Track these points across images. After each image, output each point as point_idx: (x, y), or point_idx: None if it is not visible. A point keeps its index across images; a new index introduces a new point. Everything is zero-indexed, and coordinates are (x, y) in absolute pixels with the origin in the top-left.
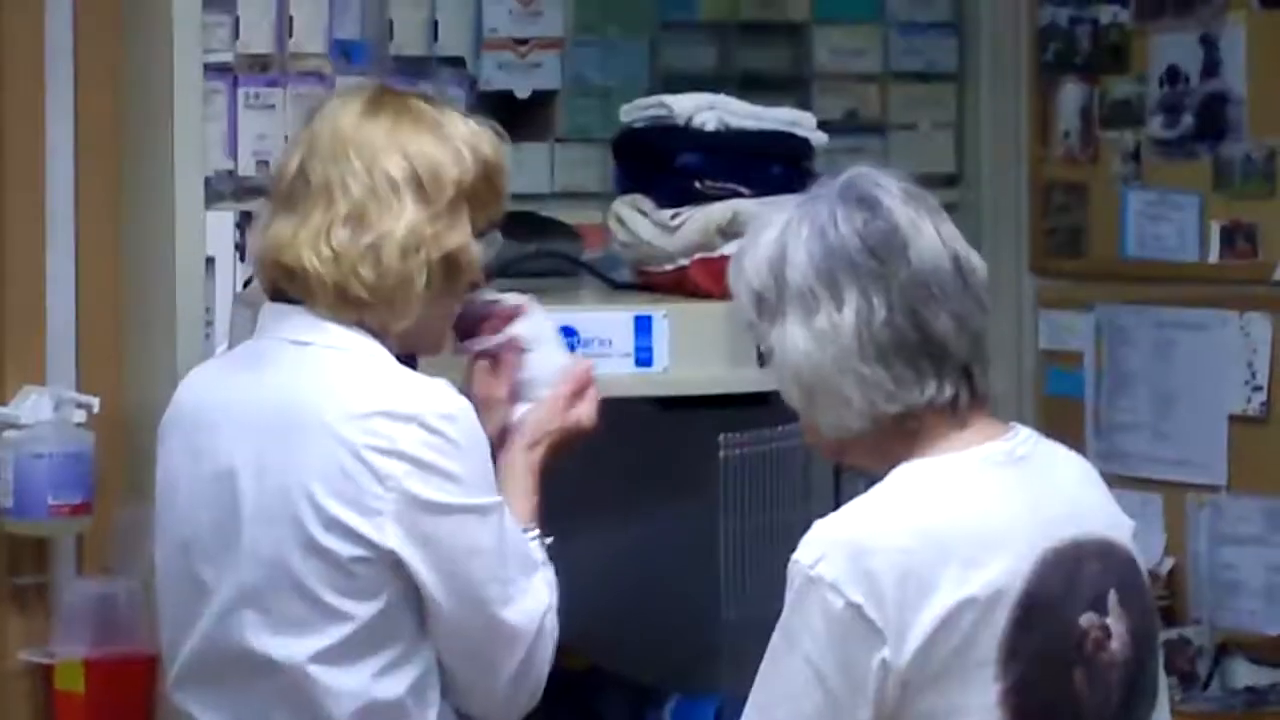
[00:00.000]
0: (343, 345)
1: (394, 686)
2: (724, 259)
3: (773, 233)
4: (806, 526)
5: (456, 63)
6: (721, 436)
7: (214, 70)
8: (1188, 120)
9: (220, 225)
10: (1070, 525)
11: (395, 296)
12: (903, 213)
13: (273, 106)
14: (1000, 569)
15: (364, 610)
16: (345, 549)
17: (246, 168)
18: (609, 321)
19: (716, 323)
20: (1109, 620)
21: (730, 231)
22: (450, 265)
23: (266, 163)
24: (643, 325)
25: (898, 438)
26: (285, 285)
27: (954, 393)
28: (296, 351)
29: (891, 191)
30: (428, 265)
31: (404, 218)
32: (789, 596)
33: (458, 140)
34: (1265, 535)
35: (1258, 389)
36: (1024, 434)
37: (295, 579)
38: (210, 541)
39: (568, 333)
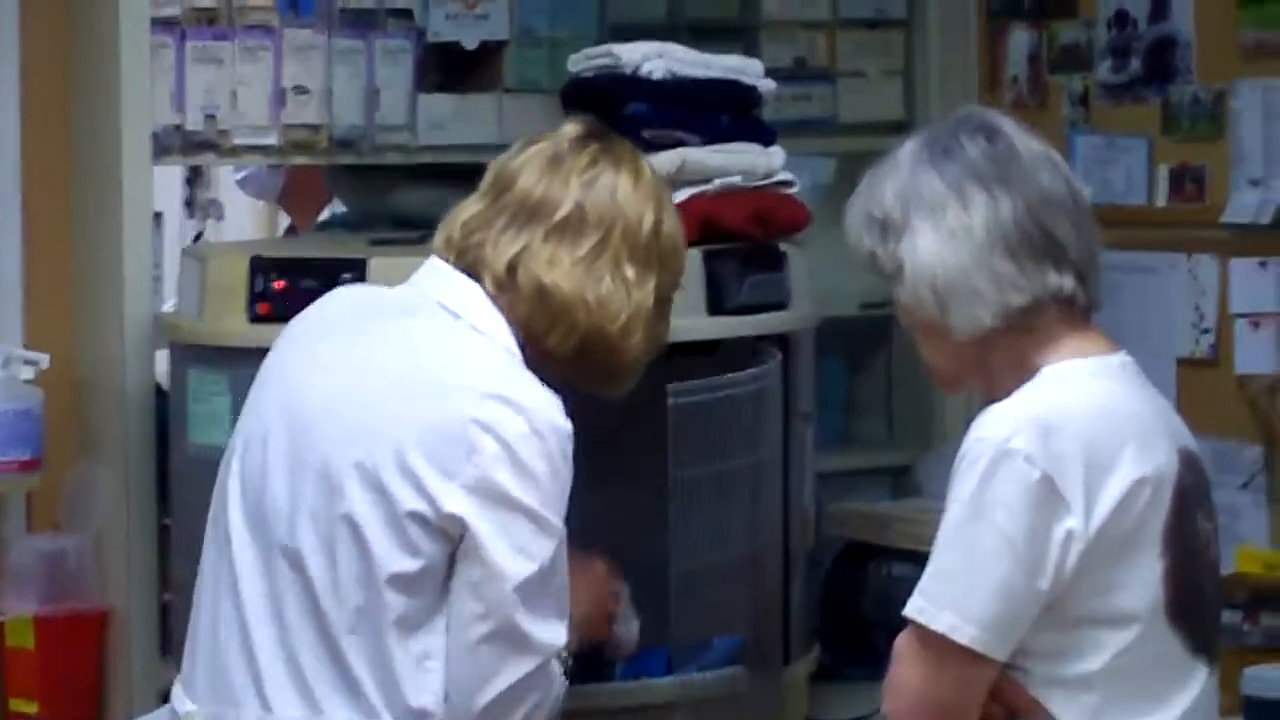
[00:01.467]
0: (492, 333)
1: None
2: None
3: (892, 164)
4: (755, 476)
5: (404, 15)
6: (670, 386)
7: (161, 24)
8: (1135, 64)
9: (168, 180)
10: (1182, 435)
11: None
12: (1020, 138)
13: (220, 60)
14: (1162, 457)
15: (400, 565)
16: (408, 502)
17: (194, 122)
18: None
19: None
20: (1208, 525)
21: (679, 180)
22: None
23: (214, 116)
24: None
25: (1025, 338)
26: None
27: (1073, 290)
28: (445, 318)
29: (1007, 122)
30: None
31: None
32: (975, 470)
33: None
34: (1214, 477)
35: (1206, 331)
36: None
37: (349, 509)
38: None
39: None
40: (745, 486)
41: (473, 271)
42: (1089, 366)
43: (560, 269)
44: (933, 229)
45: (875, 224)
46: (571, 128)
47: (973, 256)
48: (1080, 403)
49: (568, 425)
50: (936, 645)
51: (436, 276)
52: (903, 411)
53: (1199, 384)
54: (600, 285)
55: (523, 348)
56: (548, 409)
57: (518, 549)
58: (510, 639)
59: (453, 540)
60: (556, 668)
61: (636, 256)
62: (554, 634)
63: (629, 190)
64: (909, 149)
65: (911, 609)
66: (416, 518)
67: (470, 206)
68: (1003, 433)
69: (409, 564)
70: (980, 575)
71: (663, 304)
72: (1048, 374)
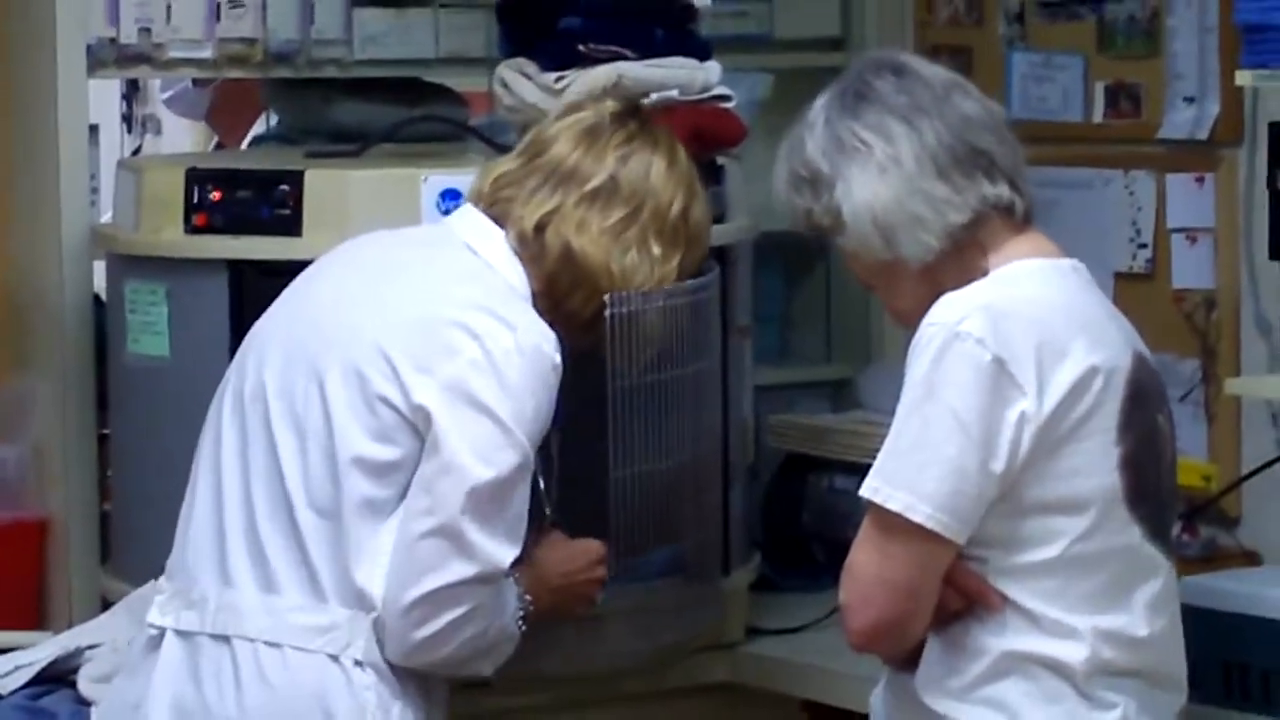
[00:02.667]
0: (505, 273)
1: None
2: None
3: (806, 124)
4: (696, 385)
5: None
6: (607, 295)
7: None
8: None
9: (105, 95)
10: (1134, 339)
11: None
12: (926, 69)
13: None
14: (1114, 350)
15: (366, 449)
16: (380, 386)
17: (129, 35)
18: None
19: None
20: (1165, 423)
21: (615, 94)
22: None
23: (149, 30)
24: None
25: (974, 251)
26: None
27: (1010, 197)
28: (464, 252)
29: (909, 57)
30: None
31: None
32: (927, 354)
33: None
34: None
35: (1142, 246)
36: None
37: (323, 389)
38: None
39: (453, 195)
40: (684, 398)
41: (500, 223)
42: (1039, 265)
43: (589, 235)
44: (861, 170)
45: (804, 183)
46: (613, 104)
47: (906, 185)
48: (1031, 293)
49: (557, 358)
50: (892, 524)
51: (465, 218)
52: (841, 325)
53: (1136, 298)
54: (626, 256)
55: (535, 302)
56: (539, 336)
57: (477, 452)
58: (453, 539)
59: (421, 437)
60: (510, 602)
61: (664, 235)
62: (500, 552)
63: (663, 171)
64: (819, 105)
65: (866, 489)
66: (387, 403)
67: (504, 164)
68: (954, 317)
69: (376, 450)
70: (933, 454)
71: None
72: (998, 272)
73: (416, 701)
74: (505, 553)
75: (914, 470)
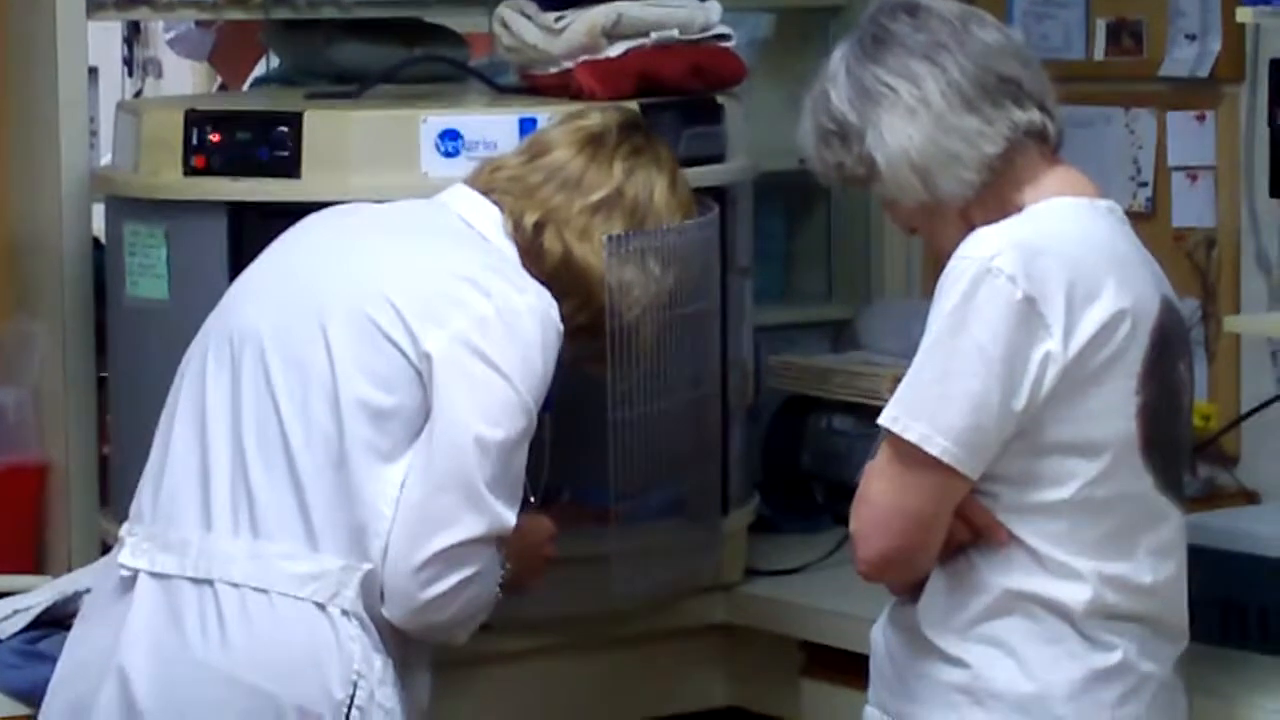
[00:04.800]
0: (502, 249)
1: None
2: (609, 60)
3: (827, 76)
4: (694, 326)
5: None
6: (606, 237)
7: None
8: None
9: (104, 35)
10: (1164, 284)
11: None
12: (939, 4)
13: None
14: (1144, 293)
15: (368, 392)
16: (388, 328)
17: None
18: (494, 124)
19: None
20: (1185, 372)
21: (614, 33)
22: None
23: None
24: (528, 128)
25: (1010, 187)
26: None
27: (1042, 120)
28: (459, 223)
29: None
30: None
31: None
32: (958, 287)
33: None
34: None
35: (1143, 184)
36: None
37: (325, 328)
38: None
39: (452, 135)
40: (684, 337)
41: (498, 207)
42: (1074, 203)
43: (591, 244)
44: (890, 115)
45: (833, 136)
46: (616, 115)
47: (937, 123)
48: (1065, 231)
49: (561, 327)
50: (908, 455)
51: (458, 193)
52: (842, 265)
53: (1139, 237)
54: (625, 269)
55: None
56: (547, 302)
57: (489, 412)
58: (467, 493)
59: (423, 387)
60: (498, 567)
61: (661, 253)
62: (506, 512)
63: (665, 191)
64: (838, 56)
65: (885, 418)
66: (394, 345)
67: (504, 159)
68: (987, 252)
69: (377, 396)
70: (955, 387)
71: None
72: (1034, 208)
73: (397, 657)
74: (510, 513)
75: (935, 402)
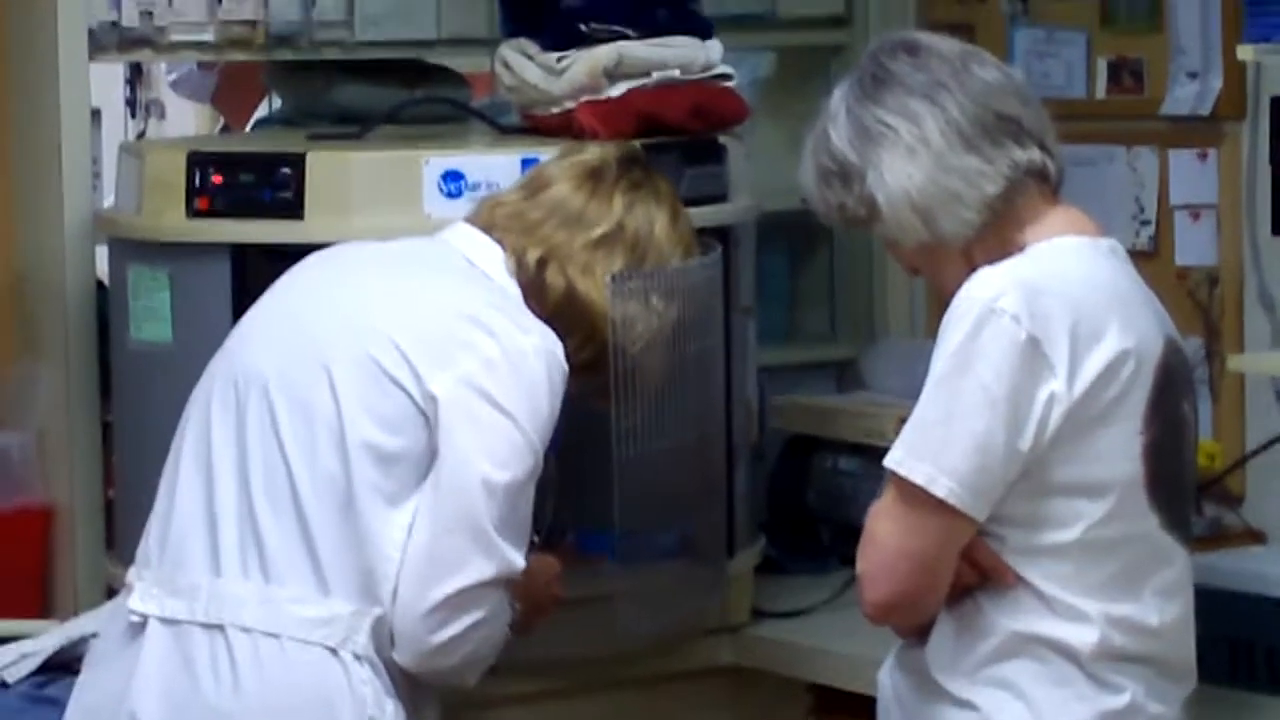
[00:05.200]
0: (505, 287)
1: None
2: (610, 101)
3: (827, 117)
4: (698, 367)
5: None
6: (609, 275)
7: None
8: None
9: (107, 77)
10: (1167, 324)
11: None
12: (939, 44)
13: None
14: (1147, 334)
15: (374, 435)
16: (393, 369)
17: (130, 18)
18: (496, 165)
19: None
20: (1190, 411)
21: (616, 73)
22: None
23: (150, 13)
24: (530, 168)
25: (1012, 227)
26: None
27: (1042, 159)
28: (462, 262)
29: (921, 34)
30: None
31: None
32: (961, 327)
33: None
34: None
35: (1146, 223)
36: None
37: (330, 370)
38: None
39: (455, 176)
40: (687, 377)
41: (500, 245)
42: (1077, 243)
43: (594, 280)
44: (891, 155)
45: (834, 176)
46: (614, 149)
47: (937, 163)
48: (1068, 271)
49: (566, 367)
50: (913, 497)
51: (460, 231)
52: (846, 305)
53: (1141, 275)
54: (628, 305)
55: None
56: (552, 342)
57: (496, 453)
58: (475, 537)
59: (429, 429)
60: (508, 609)
61: (662, 288)
62: (514, 554)
63: (666, 226)
64: (838, 95)
65: (890, 460)
66: (399, 387)
67: (505, 196)
68: (990, 292)
69: (383, 439)
70: (960, 429)
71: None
72: (1037, 248)
73: (408, 701)
74: (518, 555)
75: (939, 444)
